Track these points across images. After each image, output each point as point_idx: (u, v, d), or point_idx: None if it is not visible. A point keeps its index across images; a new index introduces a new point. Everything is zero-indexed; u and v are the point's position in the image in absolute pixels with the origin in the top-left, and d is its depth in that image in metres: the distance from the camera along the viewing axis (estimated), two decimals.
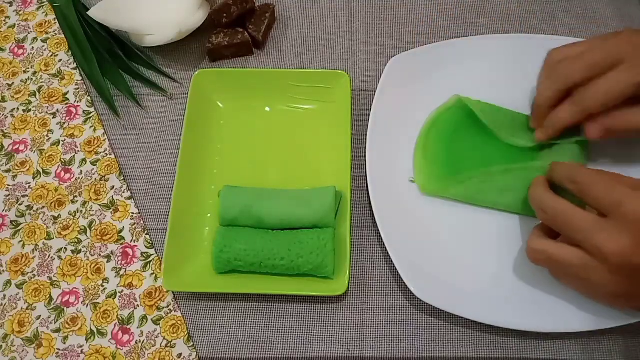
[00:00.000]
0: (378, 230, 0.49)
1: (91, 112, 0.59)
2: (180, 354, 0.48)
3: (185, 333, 0.49)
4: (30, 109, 0.60)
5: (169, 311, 0.50)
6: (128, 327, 0.49)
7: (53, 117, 0.59)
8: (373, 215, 0.50)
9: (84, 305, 0.51)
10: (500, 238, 0.50)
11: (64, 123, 0.59)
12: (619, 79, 0.44)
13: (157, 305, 0.50)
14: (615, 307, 0.44)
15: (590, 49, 0.46)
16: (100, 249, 0.53)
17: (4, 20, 0.65)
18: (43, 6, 0.66)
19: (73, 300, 0.51)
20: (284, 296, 0.50)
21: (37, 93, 0.61)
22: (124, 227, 0.53)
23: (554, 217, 0.43)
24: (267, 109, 0.58)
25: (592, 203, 0.41)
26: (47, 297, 0.51)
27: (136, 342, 0.49)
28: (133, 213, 0.54)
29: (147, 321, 0.50)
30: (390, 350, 0.48)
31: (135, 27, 0.59)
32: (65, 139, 0.58)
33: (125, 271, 0.52)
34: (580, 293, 0.45)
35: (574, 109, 0.47)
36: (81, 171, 0.56)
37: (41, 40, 0.64)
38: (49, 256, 0.53)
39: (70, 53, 0.63)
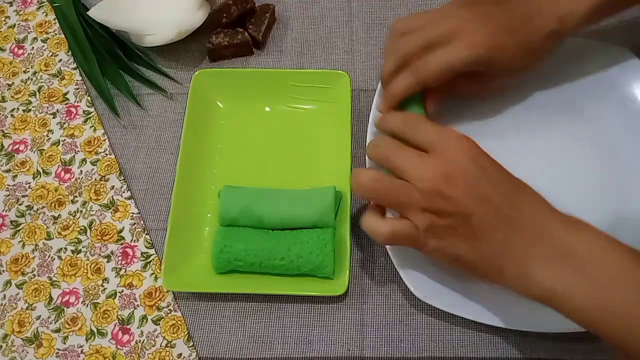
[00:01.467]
0: None
1: (91, 112, 0.59)
2: (180, 354, 0.48)
3: (185, 333, 0.49)
4: (30, 109, 0.60)
5: (169, 311, 0.50)
6: (128, 327, 0.49)
7: (53, 117, 0.59)
8: None
9: (84, 305, 0.51)
10: None
11: (64, 123, 0.59)
12: (448, 53, 0.46)
13: (157, 305, 0.50)
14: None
15: (430, 22, 0.47)
16: (100, 249, 0.53)
17: (4, 20, 0.65)
18: (43, 6, 0.66)
19: (73, 300, 0.51)
20: (284, 296, 0.50)
21: (37, 93, 0.61)
22: (124, 227, 0.53)
23: (382, 151, 0.44)
24: (267, 109, 0.58)
25: (422, 140, 0.43)
26: (47, 297, 0.51)
27: (136, 342, 0.49)
28: (133, 213, 0.54)
29: (147, 321, 0.50)
30: (390, 350, 0.48)
31: (135, 27, 0.59)
32: (65, 139, 0.58)
33: (125, 271, 0.52)
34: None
35: (410, 80, 0.47)
36: (81, 171, 0.56)
37: (41, 40, 0.64)
38: (49, 256, 0.53)
39: (70, 53, 0.63)
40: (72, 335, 0.49)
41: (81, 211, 0.54)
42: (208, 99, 0.57)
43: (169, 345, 0.49)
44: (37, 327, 0.50)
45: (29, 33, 0.64)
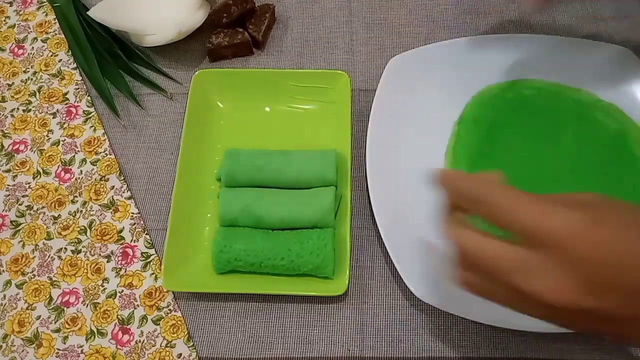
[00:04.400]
0: (378, 230, 0.49)
1: (91, 112, 0.59)
2: (180, 354, 0.48)
3: (185, 333, 0.49)
4: (30, 109, 0.60)
5: (169, 311, 0.50)
6: (128, 327, 0.49)
7: (53, 117, 0.59)
8: (373, 215, 0.50)
9: (84, 305, 0.51)
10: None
11: (64, 123, 0.59)
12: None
13: (157, 305, 0.50)
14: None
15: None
16: (100, 249, 0.53)
17: (4, 20, 0.65)
18: (43, 6, 0.66)
19: (73, 300, 0.51)
20: (284, 296, 0.50)
21: (37, 93, 0.61)
22: (124, 227, 0.53)
23: (476, 260, 0.33)
24: (267, 109, 0.58)
25: (515, 229, 0.31)
26: (47, 297, 0.51)
27: (136, 342, 0.49)
28: (133, 213, 0.54)
29: (147, 321, 0.50)
30: (390, 350, 0.48)
31: (135, 27, 0.59)
32: (65, 139, 0.58)
33: (125, 271, 0.52)
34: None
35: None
36: (81, 171, 0.56)
37: (41, 40, 0.64)
38: (49, 256, 0.53)
39: (70, 53, 0.63)
40: (72, 335, 0.49)
41: (81, 211, 0.54)
42: (208, 99, 0.57)
43: (169, 345, 0.49)
44: (37, 327, 0.50)
45: (29, 33, 0.64)
